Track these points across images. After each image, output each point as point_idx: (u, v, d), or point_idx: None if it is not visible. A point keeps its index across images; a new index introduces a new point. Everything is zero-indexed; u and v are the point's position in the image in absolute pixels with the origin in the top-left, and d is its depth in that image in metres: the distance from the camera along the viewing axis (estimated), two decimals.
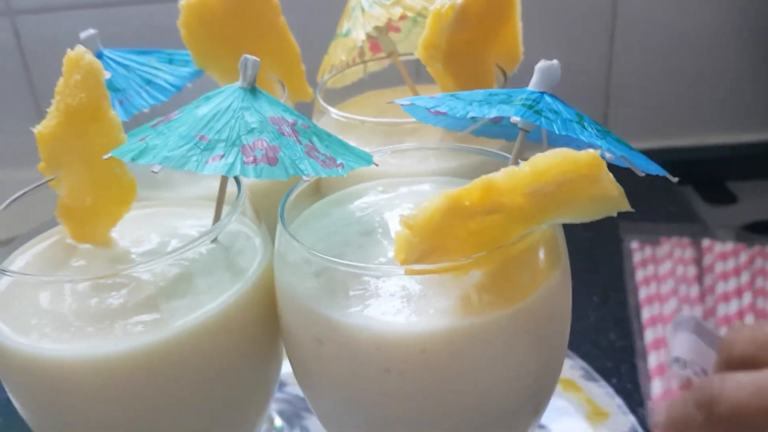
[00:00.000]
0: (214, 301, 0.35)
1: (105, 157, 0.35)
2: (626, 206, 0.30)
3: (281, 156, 0.34)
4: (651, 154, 0.37)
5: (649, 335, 0.65)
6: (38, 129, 0.39)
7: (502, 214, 0.29)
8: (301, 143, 0.35)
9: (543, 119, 0.32)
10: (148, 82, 0.47)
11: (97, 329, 0.34)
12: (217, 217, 0.39)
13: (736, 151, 0.92)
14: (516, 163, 0.37)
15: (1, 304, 0.36)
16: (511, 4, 0.46)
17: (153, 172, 0.33)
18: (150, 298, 0.35)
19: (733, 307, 0.68)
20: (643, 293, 0.69)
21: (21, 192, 0.40)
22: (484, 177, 0.28)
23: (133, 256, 0.38)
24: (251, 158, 0.33)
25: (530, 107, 0.33)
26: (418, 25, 0.54)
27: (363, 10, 0.50)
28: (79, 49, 0.37)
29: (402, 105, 0.37)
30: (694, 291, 0.70)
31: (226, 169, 0.33)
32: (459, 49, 0.45)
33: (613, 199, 0.29)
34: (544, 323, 0.33)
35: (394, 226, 0.38)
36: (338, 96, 0.54)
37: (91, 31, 0.48)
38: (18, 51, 0.89)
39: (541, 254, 0.33)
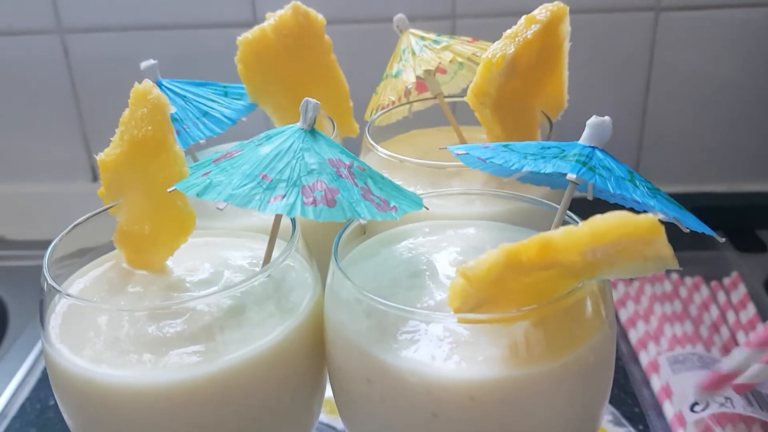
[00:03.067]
0: (267, 334, 0.36)
1: (169, 190, 0.36)
2: (675, 265, 0.31)
3: (339, 198, 0.35)
4: (682, 199, 0.38)
5: (655, 383, 0.65)
6: (101, 157, 0.41)
7: (557, 270, 0.30)
8: (357, 185, 0.36)
9: (597, 177, 0.33)
10: (205, 113, 0.49)
11: (153, 357, 0.35)
12: (269, 251, 0.40)
13: None
14: (564, 213, 0.38)
15: (62, 325, 0.38)
16: (558, 55, 0.47)
17: (218, 209, 0.34)
18: (205, 328, 0.36)
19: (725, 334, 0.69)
20: (632, 337, 0.70)
21: (84, 217, 0.41)
22: (542, 234, 0.29)
23: (188, 285, 0.40)
24: (311, 199, 0.34)
25: (584, 164, 0.34)
26: (464, 68, 0.56)
27: (413, 53, 0.51)
28: (147, 83, 0.39)
29: (457, 154, 0.38)
30: (684, 328, 0.71)
31: (288, 209, 0.34)
32: (507, 97, 0.46)
33: (666, 259, 0.30)
34: (590, 375, 0.34)
35: (443, 270, 0.39)
36: (384, 134, 0.55)
37: (152, 62, 0.50)
38: (66, 68, 0.92)
39: (590, 308, 0.34)
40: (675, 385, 0.64)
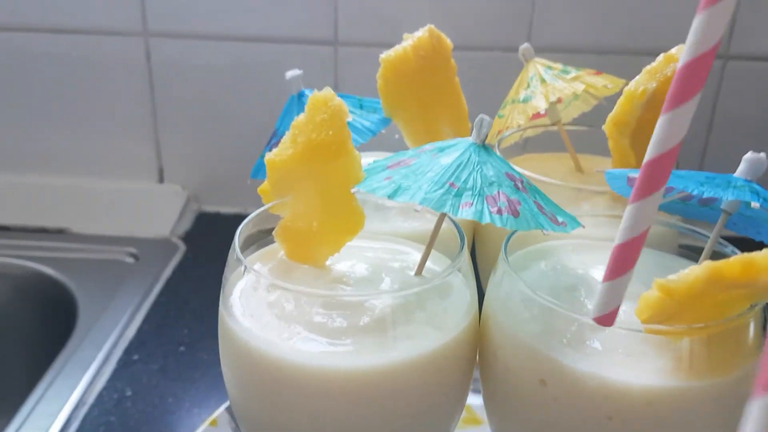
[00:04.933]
0: (430, 337, 0.38)
1: (353, 190, 0.39)
2: None
3: (521, 210, 0.37)
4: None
5: None
6: (269, 157, 0.43)
7: (749, 289, 0.32)
8: (530, 199, 0.39)
9: None
10: (348, 124, 0.51)
11: (329, 343, 0.38)
12: (425, 256, 0.42)
13: None
14: (715, 241, 0.40)
15: (243, 302, 0.40)
16: None
17: (416, 210, 0.36)
18: (378, 323, 0.38)
19: None
20: None
21: (262, 208, 0.43)
22: (745, 254, 0.32)
23: (352, 281, 0.42)
24: (496, 208, 0.37)
25: (757, 194, 0.37)
26: (578, 99, 0.58)
27: (543, 80, 0.54)
28: (327, 91, 0.41)
29: (629, 177, 0.40)
30: None
31: (478, 216, 0.36)
32: (643, 128, 0.49)
33: None
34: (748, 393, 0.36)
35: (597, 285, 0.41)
36: (503, 155, 0.57)
37: (297, 72, 0.52)
38: (147, 71, 0.94)
39: (753, 331, 0.36)
40: None
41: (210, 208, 1.01)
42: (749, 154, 0.39)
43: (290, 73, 0.52)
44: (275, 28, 0.91)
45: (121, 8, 0.91)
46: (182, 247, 0.93)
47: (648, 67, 0.49)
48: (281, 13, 0.90)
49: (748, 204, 0.37)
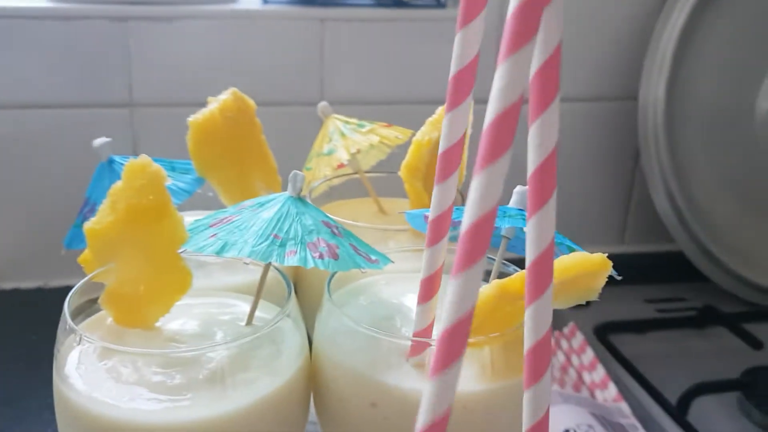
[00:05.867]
0: (265, 382, 0.41)
1: (181, 251, 0.41)
2: (596, 297, 0.41)
3: (340, 252, 0.41)
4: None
5: None
6: (89, 225, 0.44)
7: None
8: (346, 243, 0.43)
9: None
10: None
11: (169, 399, 0.39)
12: (254, 306, 0.45)
13: None
14: (500, 263, 0.47)
15: (78, 368, 0.40)
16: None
17: (245, 263, 0.39)
18: (214, 374, 0.40)
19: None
20: None
21: (88, 277, 0.43)
22: (522, 271, 0.38)
23: (186, 338, 0.43)
24: (318, 254, 0.41)
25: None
26: (374, 149, 0.65)
27: (343, 134, 0.59)
28: (143, 158, 0.43)
29: (424, 215, 0.46)
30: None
31: (303, 262, 0.40)
32: (432, 172, 0.55)
33: (596, 291, 0.40)
34: None
35: (411, 312, 0.46)
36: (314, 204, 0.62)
37: (105, 139, 0.53)
38: None
39: None
40: None
41: (8, 285, 0.95)
42: (519, 188, 0.47)
43: (98, 141, 0.53)
44: (67, 94, 0.89)
45: None
46: None
47: (430, 119, 0.56)
48: (73, 78, 0.89)
49: (522, 229, 0.45)
